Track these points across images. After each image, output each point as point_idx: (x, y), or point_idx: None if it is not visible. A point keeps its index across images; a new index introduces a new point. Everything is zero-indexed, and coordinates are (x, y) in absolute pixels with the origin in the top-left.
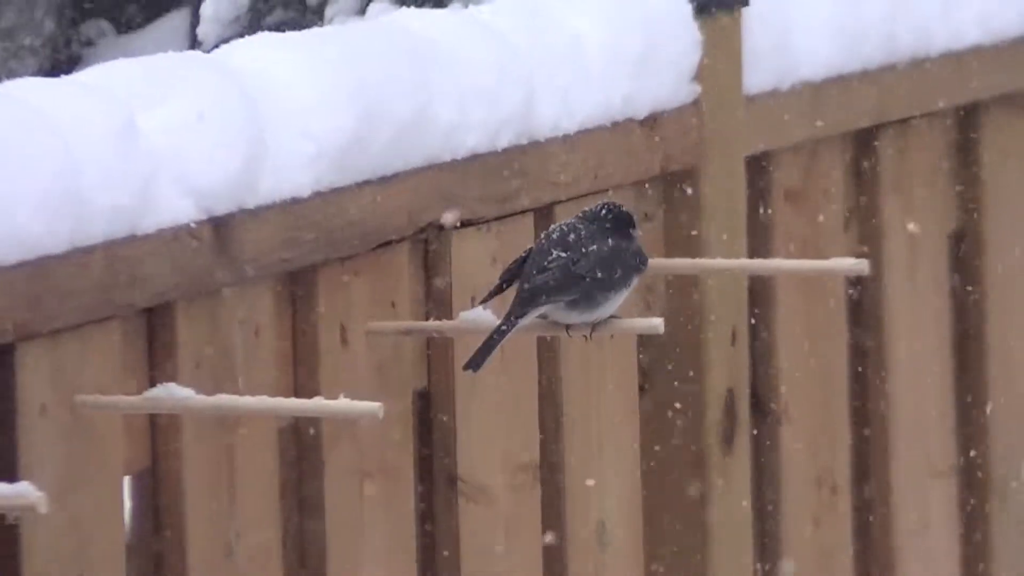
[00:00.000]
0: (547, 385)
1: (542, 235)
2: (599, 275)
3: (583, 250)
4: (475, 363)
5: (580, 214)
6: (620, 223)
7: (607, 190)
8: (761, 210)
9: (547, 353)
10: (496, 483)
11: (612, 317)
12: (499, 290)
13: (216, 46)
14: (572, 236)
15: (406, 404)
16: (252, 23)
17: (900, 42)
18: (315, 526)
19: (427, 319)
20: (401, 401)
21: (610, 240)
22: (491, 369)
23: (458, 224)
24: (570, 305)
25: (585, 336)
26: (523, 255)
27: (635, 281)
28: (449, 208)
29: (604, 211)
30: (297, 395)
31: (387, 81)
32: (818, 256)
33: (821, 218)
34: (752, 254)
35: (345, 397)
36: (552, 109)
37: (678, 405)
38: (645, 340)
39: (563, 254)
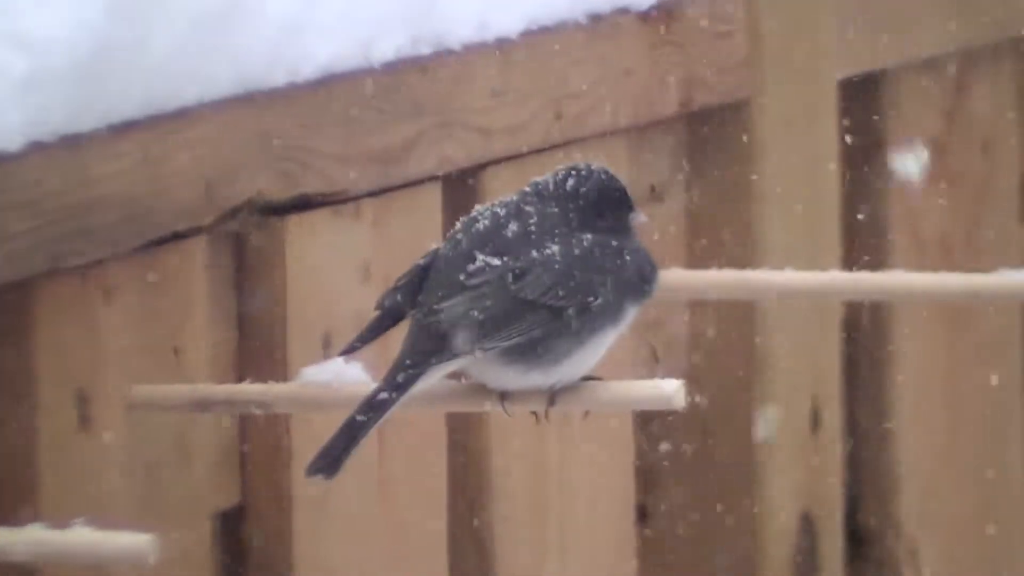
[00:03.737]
0: (465, 502)
1: (457, 225)
2: (562, 299)
3: (534, 252)
4: (326, 463)
5: (528, 188)
6: (603, 203)
7: (578, 140)
8: (868, 177)
9: (466, 440)
10: None
11: (588, 379)
12: (377, 327)
13: None
14: (513, 226)
15: (200, 534)
16: None
17: None
18: None
19: (239, 379)
20: (192, 529)
21: (584, 234)
22: (357, 469)
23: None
24: (509, 357)
25: (535, 414)
26: (421, 262)
27: (632, 310)
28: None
29: (572, 181)
30: None
31: None
32: (968, 262)
33: (967, 194)
34: (850, 259)
35: (82, 524)
36: None
37: (705, 538)
38: (649, 422)
39: (495, 260)
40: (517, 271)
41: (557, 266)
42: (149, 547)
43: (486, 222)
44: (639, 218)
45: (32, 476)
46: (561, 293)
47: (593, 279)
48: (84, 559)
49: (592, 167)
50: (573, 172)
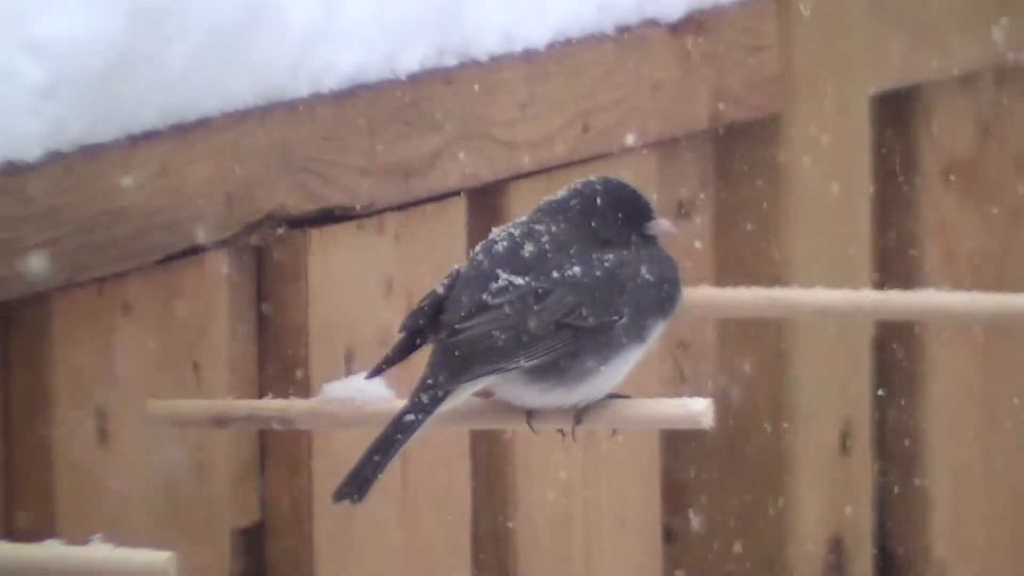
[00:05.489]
0: (489, 521)
1: (478, 247)
2: (585, 319)
3: (555, 271)
4: (354, 486)
5: (545, 205)
6: (619, 214)
7: (606, 155)
8: (900, 194)
9: (490, 459)
10: None
11: (612, 396)
12: (403, 349)
13: None
14: (534, 245)
15: (220, 551)
16: None
17: None
18: None
19: (261, 394)
20: (211, 547)
21: (606, 251)
22: (387, 494)
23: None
24: (534, 376)
25: (562, 432)
26: (446, 281)
27: (658, 327)
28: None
29: (592, 196)
30: None
31: None
32: (1001, 281)
33: (1001, 213)
34: (881, 278)
35: (100, 541)
36: (500, 4)
37: (733, 566)
38: (675, 441)
39: (518, 280)
40: (540, 291)
41: (579, 286)
42: (169, 564)
43: (507, 242)
44: (660, 226)
45: (49, 491)
46: (584, 313)
47: (615, 298)
48: (103, 575)
49: (607, 178)
50: (586, 185)
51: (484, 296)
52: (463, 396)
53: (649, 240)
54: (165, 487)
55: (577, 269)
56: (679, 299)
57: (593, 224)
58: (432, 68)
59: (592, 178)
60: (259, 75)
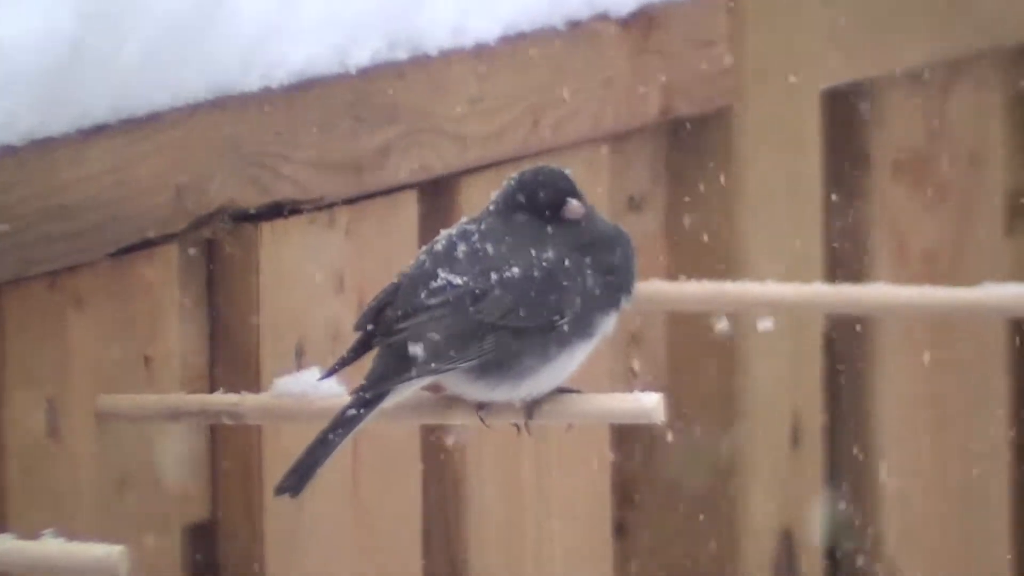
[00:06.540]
0: (440, 517)
1: (426, 245)
2: (524, 320)
3: (493, 271)
4: (293, 481)
5: (489, 202)
6: (545, 204)
7: (557, 149)
8: (848, 183)
9: (440, 454)
10: None
11: (563, 390)
12: (358, 349)
13: None
14: (472, 245)
15: (170, 546)
16: None
17: None
18: None
19: (212, 389)
20: (162, 542)
21: (546, 246)
22: (330, 484)
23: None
24: (477, 373)
25: (517, 425)
26: (396, 279)
27: (608, 319)
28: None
29: (530, 186)
30: None
31: None
32: (953, 275)
33: (952, 207)
34: (833, 270)
35: (52, 535)
36: None
37: (685, 559)
38: (626, 436)
39: (456, 280)
40: (477, 292)
41: (517, 287)
42: (120, 559)
43: (448, 240)
44: (571, 209)
45: (1, 485)
46: (522, 314)
47: (556, 297)
48: (55, 570)
49: (525, 169)
50: (508, 180)
51: (422, 296)
52: (405, 394)
53: (588, 223)
54: (116, 482)
55: (516, 269)
56: (631, 284)
57: (518, 218)
58: (383, 62)
59: (536, 168)
60: (211, 69)
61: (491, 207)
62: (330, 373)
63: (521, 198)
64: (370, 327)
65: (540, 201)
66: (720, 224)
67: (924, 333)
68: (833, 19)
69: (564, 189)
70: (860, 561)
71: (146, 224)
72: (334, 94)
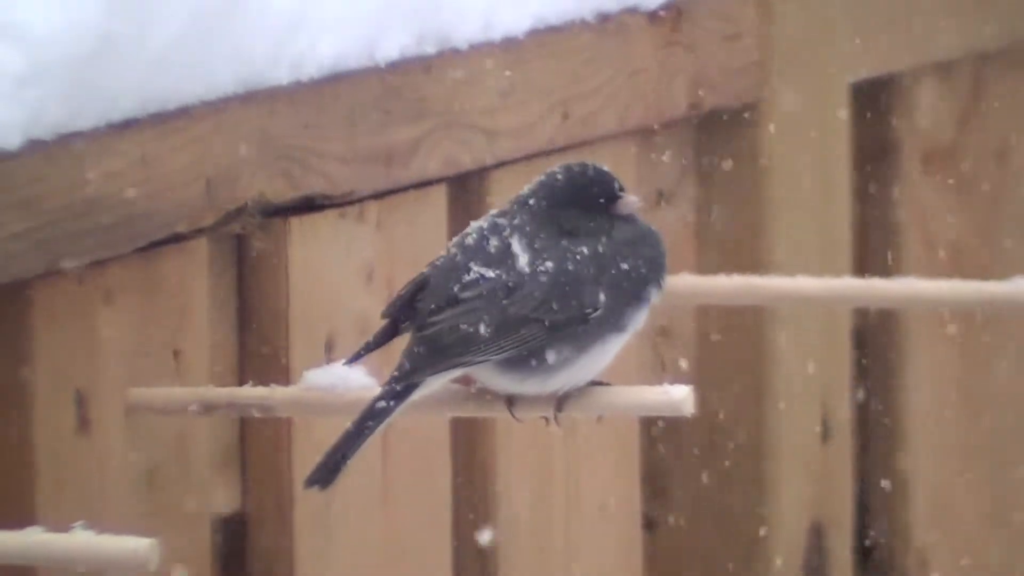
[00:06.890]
0: (470, 510)
1: (455, 238)
2: (556, 313)
3: (526, 265)
4: (323, 474)
5: (519, 196)
6: (592, 200)
7: (586, 142)
8: (880, 182)
9: (471, 447)
10: None
11: (594, 383)
12: (383, 336)
13: None
14: (504, 238)
15: (200, 538)
16: None
17: None
18: None
19: (241, 382)
20: (191, 534)
21: (579, 242)
22: (360, 477)
23: None
24: (508, 366)
25: (547, 419)
26: (427, 269)
27: (641, 313)
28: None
29: (557, 184)
30: None
31: None
32: (981, 269)
33: (980, 201)
34: (861, 266)
35: (82, 528)
36: None
37: (715, 553)
38: (656, 428)
39: (489, 273)
40: (510, 285)
41: (550, 280)
42: (151, 551)
43: (479, 234)
44: (627, 204)
45: (30, 478)
46: (555, 307)
47: (589, 290)
48: (85, 563)
49: (571, 164)
50: (549, 175)
51: (455, 289)
52: (435, 386)
53: (627, 219)
54: (146, 475)
55: (549, 263)
56: (662, 278)
57: (561, 213)
58: (412, 56)
59: (556, 166)
60: (239, 62)
61: (523, 201)
62: (355, 358)
63: (571, 193)
64: (399, 314)
65: (593, 195)
66: (749, 218)
67: (952, 325)
68: (862, 11)
69: (613, 185)
70: (890, 552)
71: (175, 218)
72: (363, 88)
